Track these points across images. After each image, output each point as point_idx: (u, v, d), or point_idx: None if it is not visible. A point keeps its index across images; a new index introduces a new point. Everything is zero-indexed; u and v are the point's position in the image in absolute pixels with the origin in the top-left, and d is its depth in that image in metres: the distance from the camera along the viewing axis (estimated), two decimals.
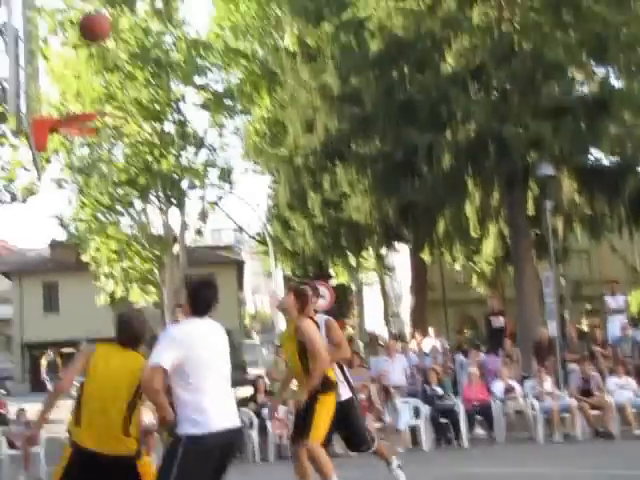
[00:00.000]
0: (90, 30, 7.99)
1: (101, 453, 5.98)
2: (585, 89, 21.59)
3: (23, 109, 10.54)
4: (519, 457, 11.50)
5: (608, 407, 15.09)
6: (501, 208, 23.05)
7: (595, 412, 15.21)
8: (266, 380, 16.55)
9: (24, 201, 34.97)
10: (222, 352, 6.00)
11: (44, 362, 32.65)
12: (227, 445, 5.75)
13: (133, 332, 6.38)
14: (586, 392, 15.57)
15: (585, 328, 23.61)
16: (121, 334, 6.40)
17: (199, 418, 5.63)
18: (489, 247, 24.75)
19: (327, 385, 7.93)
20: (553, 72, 20.33)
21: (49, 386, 32.30)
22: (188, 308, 6.05)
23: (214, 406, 5.71)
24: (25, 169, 33.15)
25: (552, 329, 18.30)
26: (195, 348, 5.79)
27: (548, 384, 15.86)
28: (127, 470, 6.07)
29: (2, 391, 32.51)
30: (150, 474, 6.07)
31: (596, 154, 22.67)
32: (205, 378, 5.74)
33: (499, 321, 20.57)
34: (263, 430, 14.84)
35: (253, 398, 15.74)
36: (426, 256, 25.64)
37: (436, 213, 22.81)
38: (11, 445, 14.36)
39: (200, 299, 6.06)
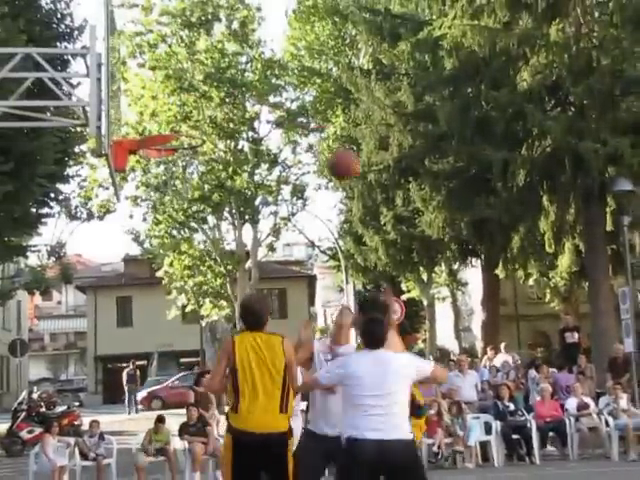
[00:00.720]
0: (343, 168, 8.14)
1: (260, 433, 6.29)
2: None
3: (104, 131, 10.86)
4: (592, 475, 11.42)
5: None
6: (577, 223, 22.92)
7: None
8: None
9: (101, 219, 35.84)
10: None
11: (124, 374, 34.00)
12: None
13: (255, 314, 6.60)
14: None
15: None
16: (246, 319, 6.67)
17: None
18: (564, 262, 24.60)
19: None
20: (632, 87, 20.21)
21: (127, 396, 33.49)
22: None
23: None
24: (103, 187, 34.05)
25: (628, 345, 18.11)
26: None
27: (623, 401, 15.65)
28: (281, 447, 6.39)
29: (76, 403, 33.35)
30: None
31: None
32: None
33: (573, 337, 20.41)
34: None
35: None
36: (500, 272, 25.54)
37: (510, 229, 22.77)
38: (84, 456, 14.66)
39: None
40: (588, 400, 15.96)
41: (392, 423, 6.03)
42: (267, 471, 6.45)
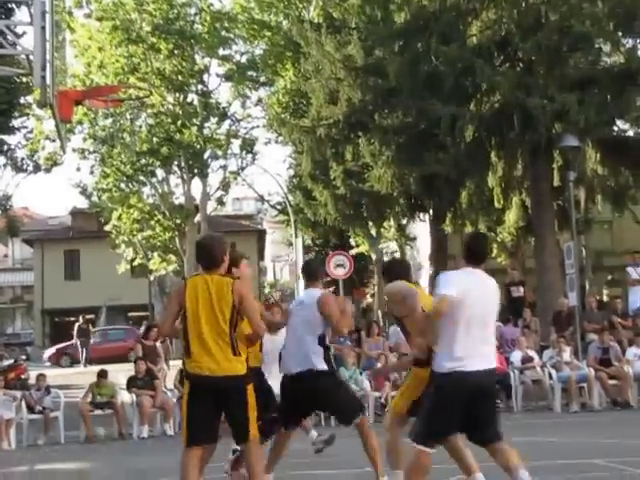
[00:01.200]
0: None
1: (215, 376, 6.26)
2: (612, 60, 21.58)
3: (49, 81, 10.72)
4: (536, 426, 11.64)
5: (626, 377, 15.22)
6: (524, 179, 23.14)
7: (614, 382, 15.34)
8: None
9: (48, 171, 35.41)
10: None
11: (75, 327, 34.13)
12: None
13: (210, 254, 6.53)
14: (605, 362, 15.64)
15: (606, 299, 23.71)
16: (203, 259, 6.56)
17: None
18: (511, 218, 24.90)
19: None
20: (580, 43, 20.34)
21: (79, 350, 33.57)
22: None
23: None
24: (49, 140, 33.57)
25: (572, 299, 18.38)
26: None
27: (567, 354, 15.95)
28: (238, 391, 6.35)
29: (22, 357, 33.15)
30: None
31: (621, 125, 22.75)
32: None
33: (519, 291, 20.69)
34: None
35: None
36: (448, 227, 25.76)
37: (459, 184, 22.92)
38: (31, 409, 14.66)
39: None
40: (532, 353, 16.25)
41: (491, 350, 6.08)
42: (227, 414, 6.44)
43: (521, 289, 20.80)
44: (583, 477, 8.03)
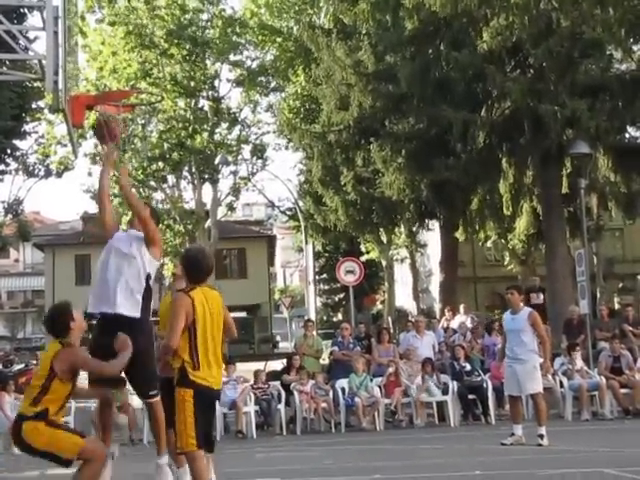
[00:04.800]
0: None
1: (217, 390, 6.67)
2: (623, 67, 21.54)
3: (61, 86, 10.71)
4: (547, 434, 11.56)
5: (638, 386, 15.14)
6: (535, 186, 23.10)
7: (625, 391, 15.24)
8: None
9: (59, 176, 35.48)
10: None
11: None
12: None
13: (206, 269, 6.67)
14: (616, 370, 15.51)
15: (617, 306, 23.60)
16: (193, 272, 6.66)
17: None
18: (522, 225, 24.82)
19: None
20: (591, 50, 20.32)
21: None
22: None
23: None
24: (61, 145, 33.67)
25: (583, 307, 18.29)
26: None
27: (578, 362, 15.87)
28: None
29: (33, 361, 33.19)
30: None
31: (633, 132, 22.70)
32: None
33: (538, 298, 20.40)
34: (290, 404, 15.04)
35: (286, 373, 15.93)
36: (459, 235, 25.71)
37: (470, 191, 22.89)
38: None
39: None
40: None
41: None
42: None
43: (541, 296, 20.43)
44: None
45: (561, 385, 15.39)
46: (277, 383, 15.44)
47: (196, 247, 8.07)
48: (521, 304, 11.64)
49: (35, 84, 24.64)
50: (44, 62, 11.15)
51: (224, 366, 7.05)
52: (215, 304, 6.62)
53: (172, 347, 6.43)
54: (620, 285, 36.49)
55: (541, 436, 10.83)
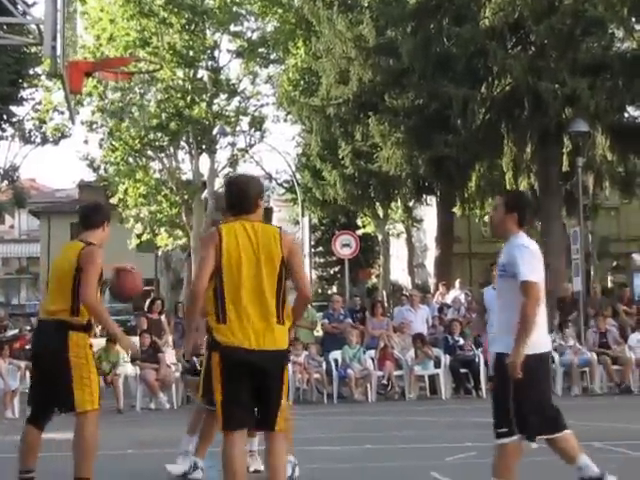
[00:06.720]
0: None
1: (253, 349, 5.13)
2: (625, 46, 21.49)
3: (59, 51, 10.64)
4: None
5: (628, 362, 15.29)
6: (533, 163, 23.09)
7: (616, 367, 15.38)
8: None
9: (56, 143, 35.44)
10: None
11: None
12: None
13: (244, 194, 5.40)
14: (603, 346, 15.72)
15: (610, 285, 23.72)
16: (234, 201, 5.42)
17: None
18: None
19: None
20: (593, 28, 20.26)
21: None
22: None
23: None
24: (58, 112, 33.58)
25: (577, 284, 18.41)
26: None
27: (570, 339, 15.98)
28: (278, 368, 5.26)
29: (27, 327, 33.26)
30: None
31: (632, 112, 22.66)
32: None
33: None
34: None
35: None
36: (457, 210, 25.69)
37: (468, 167, 22.87)
38: None
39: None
40: None
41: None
42: (260, 389, 5.21)
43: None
44: None
45: (552, 360, 15.50)
46: None
47: (236, 174, 7.08)
48: None
49: (33, 50, 24.54)
50: (42, 27, 11.08)
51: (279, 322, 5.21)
52: (265, 240, 5.22)
53: (197, 288, 5.19)
54: (614, 264, 36.60)
55: None
